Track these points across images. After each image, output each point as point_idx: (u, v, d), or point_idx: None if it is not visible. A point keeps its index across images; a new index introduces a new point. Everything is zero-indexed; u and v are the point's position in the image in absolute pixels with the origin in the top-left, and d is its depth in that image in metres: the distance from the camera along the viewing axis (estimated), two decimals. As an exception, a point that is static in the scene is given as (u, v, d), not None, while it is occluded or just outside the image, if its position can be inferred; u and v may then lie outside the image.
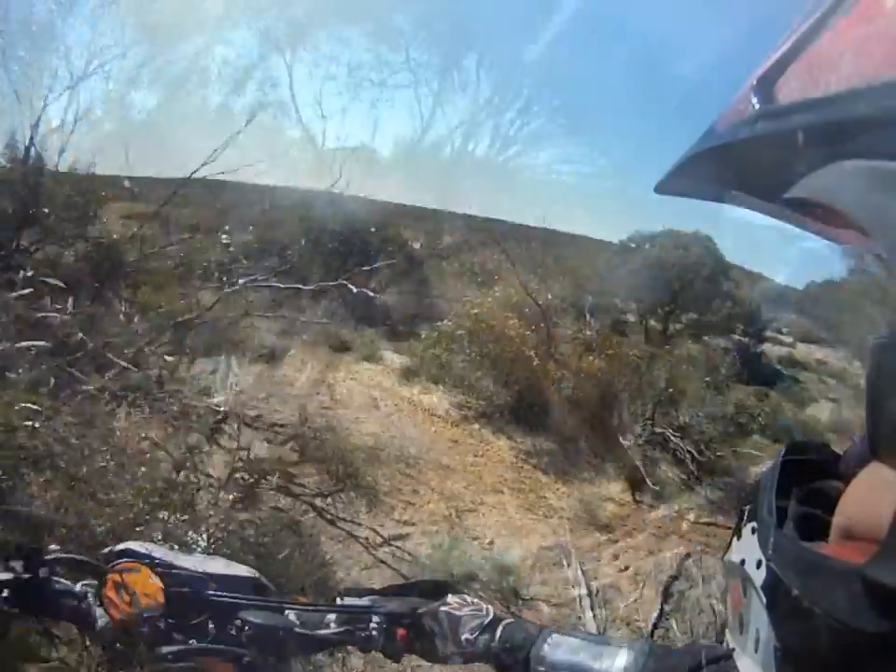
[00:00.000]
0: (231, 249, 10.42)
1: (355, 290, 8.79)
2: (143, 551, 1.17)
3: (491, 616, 1.13)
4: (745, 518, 0.64)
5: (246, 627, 1.08)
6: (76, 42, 7.25)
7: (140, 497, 3.55)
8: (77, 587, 1.12)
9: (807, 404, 14.17)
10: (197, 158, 8.37)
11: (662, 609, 5.67)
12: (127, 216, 9.47)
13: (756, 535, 0.59)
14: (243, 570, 1.25)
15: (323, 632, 1.14)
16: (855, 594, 0.43)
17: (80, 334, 4.23)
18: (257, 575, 1.25)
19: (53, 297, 5.20)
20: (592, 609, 5.57)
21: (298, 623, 1.15)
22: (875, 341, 0.49)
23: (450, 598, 1.17)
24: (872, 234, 0.45)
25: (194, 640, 1.07)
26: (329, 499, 6.06)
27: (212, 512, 4.30)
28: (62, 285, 5.39)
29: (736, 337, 20.57)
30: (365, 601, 1.19)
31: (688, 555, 6.54)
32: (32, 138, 7.12)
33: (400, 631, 1.12)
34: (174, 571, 1.12)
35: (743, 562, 0.60)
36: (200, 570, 1.16)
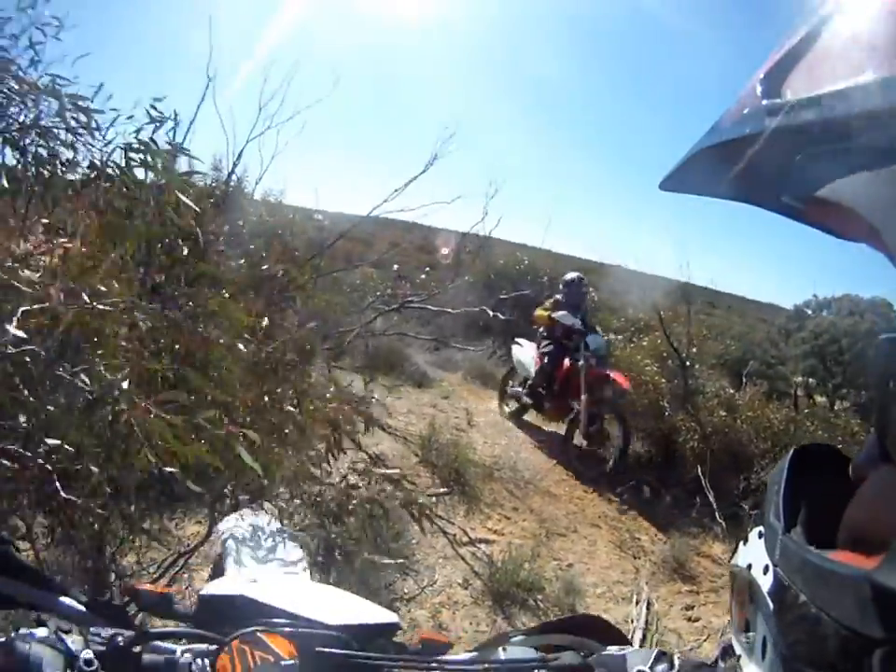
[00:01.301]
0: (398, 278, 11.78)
1: (498, 315, 9.45)
2: (262, 600, 1.07)
3: (657, 650, 1.10)
4: (751, 522, 0.66)
5: None
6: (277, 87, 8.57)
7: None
8: (180, 657, 0.91)
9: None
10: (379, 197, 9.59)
11: (715, 664, 5.72)
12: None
13: (763, 540, 0.61)
14: (381, 615, 1.21)
15: None
16: (864, 600, 0.44)
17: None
18: (397, 620, 1.21)
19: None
20: (641, 644, 5.59)
21: None
22: (883, 337, 0.53)
23: (611, 649, 1.13)
24: (883, 233, 0.47)
25: None
26: (434, 499, 6.79)
27: (326, 490, 4.65)
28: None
29: None
30: (528, 651, 1.12)
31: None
32: (235, 165, 8.59)
33: None
34: (303, 631, 0.95)
35: (750, 567, 0.61)
36: (335, 623, 1.03)
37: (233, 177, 8.74)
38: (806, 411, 11.55)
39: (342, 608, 1.17)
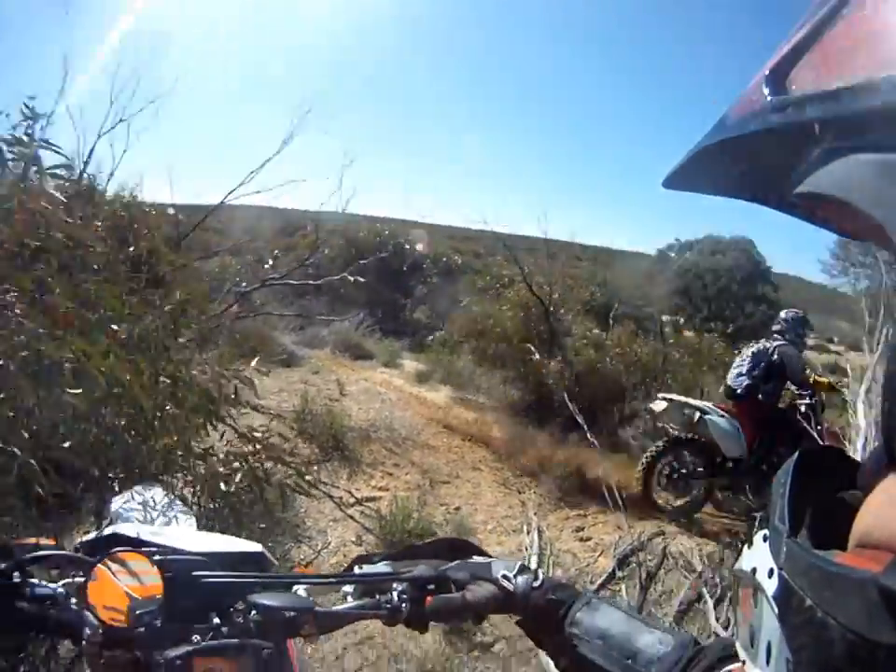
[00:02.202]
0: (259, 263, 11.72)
1: (353, 280, 9.49)
2: (133, 534, 1.13)
3: (520, 562, 1.17)
4: (756, 525, 0.66)
5: (254, 612, 1.02)
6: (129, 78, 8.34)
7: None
8: (59, 588, 1.00)
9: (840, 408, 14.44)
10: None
11: (613, 573, 5.98)
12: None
13: (768, 543, 0.60)
14: (246, 545, 1.25)
15: (342, 607, 1.11)
16: (871, 604, 0.43)
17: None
18: (261, 550, 1.24)
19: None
20: (538, 567, 6.00)
21: (310, 599, 1.11)
22: (892, 340, 0.69)
23: (477, 558, 1.21)
24: (888, 231, 0.45)
25: (198, 636, 0.99)
26: (315, 467, 6.87)
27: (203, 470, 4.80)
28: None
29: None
30: (384, 567, 1.19)
31: (659, 534, 6.86)
32: (86, 163, 8.37)
33: (428, 599, 1.10)
34: (169, 557, 1.05)
35: (754, 571, 0.61)
36: (200, 551, 1.12)
37: (85, 175, 8.49)
38: (671, 341, 12.28)
39: (210, 541, 1.24)
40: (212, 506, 4.15)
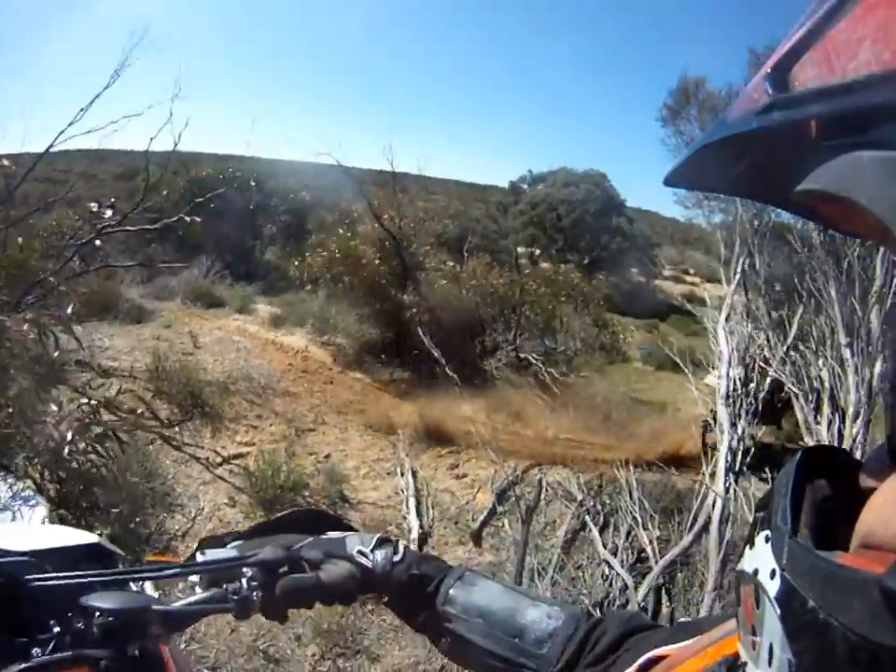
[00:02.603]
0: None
1: (189, 220, 9.09)
2: None
3: (379, 535, 1.10)
4: (758, 526, 0.63)
5: (95, 617, 0.90)
6: None
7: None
8: None
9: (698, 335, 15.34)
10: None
11: (493, 509, 6.10)
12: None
13: (770, 544, 0.58)
14: (79, 537, 1.15)
15: (188, 601, 1.00)
16: (874, 605, 0.43)
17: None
18: (97, 540, 1.16)
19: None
20: (417, 509, 6.06)
21: (154, 595, 1.06)
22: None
23: (332, 534, 1.14)
24: (891, 228, 0.44)
25: (38, 650, 0.87)
26: (177, 429, 6.71)
27: (51, 444, 4.30)
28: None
29: (634, 272, 22.03)
30: (230, 551, 1.10)
31: (534, 465, 7.13)
32: None
33: (278, 582, 1.01)
34: None
35: (756, 572, 0.59)
36: (27, 550, 0.99)
37: None
38: (527, 272, 12.52)
39: (41, 536, 1.11)
40: (59, 485, 3.97)
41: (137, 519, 4.92)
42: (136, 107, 9.10)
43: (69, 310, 4.59)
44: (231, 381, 8.17)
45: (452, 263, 11.35)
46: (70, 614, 0.90)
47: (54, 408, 4.07)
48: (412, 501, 6.18)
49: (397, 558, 1.07)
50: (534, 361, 9.82)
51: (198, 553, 1.09)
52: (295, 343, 10.53)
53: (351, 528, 1.19)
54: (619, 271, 20.64)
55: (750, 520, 0.58)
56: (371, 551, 1.07)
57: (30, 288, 7.05)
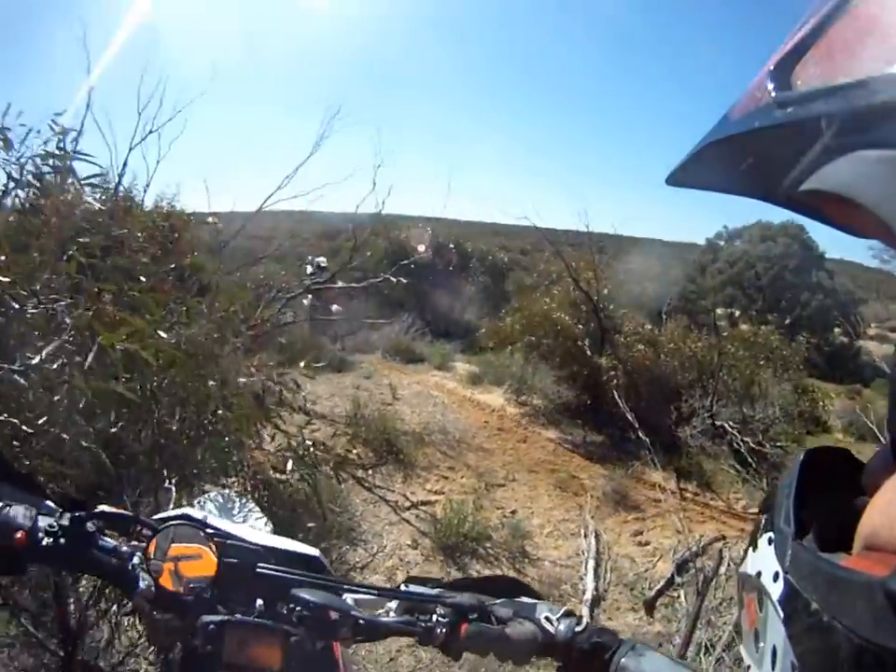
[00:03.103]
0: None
1: (394, 281, 9.46)
2: (200, 517, 1.22)
3: (565, 608, 1.16)
4: (761, 528, 0.66)
5: (298, 607, 1.09)
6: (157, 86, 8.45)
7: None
8: (125, 547, 1.11)
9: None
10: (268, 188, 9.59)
11: (671, 579, 5.95)
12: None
13: (773, 546, 0.61)
14: (304, 548, 1.31)
15: (382, 619, 1.15)
16: (877, 608, 0.43)
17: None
18: (318, 554, 1.30)
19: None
20: (595, 571, 5.99)
21: (354, 606, 1.16)
22: None
23: (524, 599, 1.22)
24: (894, 229, 0.45)
25: (239, 615, 1.08)
26: (371, 472, 7.11)
27: (260, 475, 4.79)
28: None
29: (837, 332, 20.65)
30: (431, 590, 1.21)
31: (719, 538, 6.85)
32: (120, 176, 8.52)
33: (465, 626, 1.12)
34: (228, 542, 1.15)
35: (759, 574, 0.62)
36: (257, 542, 1.20)
37: (121, 188, 8.63)
38: (725, 334, 12.16)
39: (272, 539, 1.28)
40: (265, 504, 4.28)
41: (323, 545, 5.16)
42: (337, 174, 9.74)
43: (301, 364, 5.01)
44: (427, 432, 8.43)
45: (650, 326, 11.13)
46: (276, 599, 1.11)
47: (268, 439, 4.43)
48: (590, 563, 6.12)
49: (579, 629, 1.12)
50: (729, 430, 9.49)
51: (402, 585, 1.23)
52: (492, 401, 10.69)
53: (541, 599, 1.24)
54: (820, 331, 19.51)
55: None
56: (558, 619, 1.13)
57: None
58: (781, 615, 0.56)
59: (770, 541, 0.62)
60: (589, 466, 8.50)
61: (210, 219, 10.38)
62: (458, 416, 9.48)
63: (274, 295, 10.19)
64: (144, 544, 1.10)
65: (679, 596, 5.79)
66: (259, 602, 1.11)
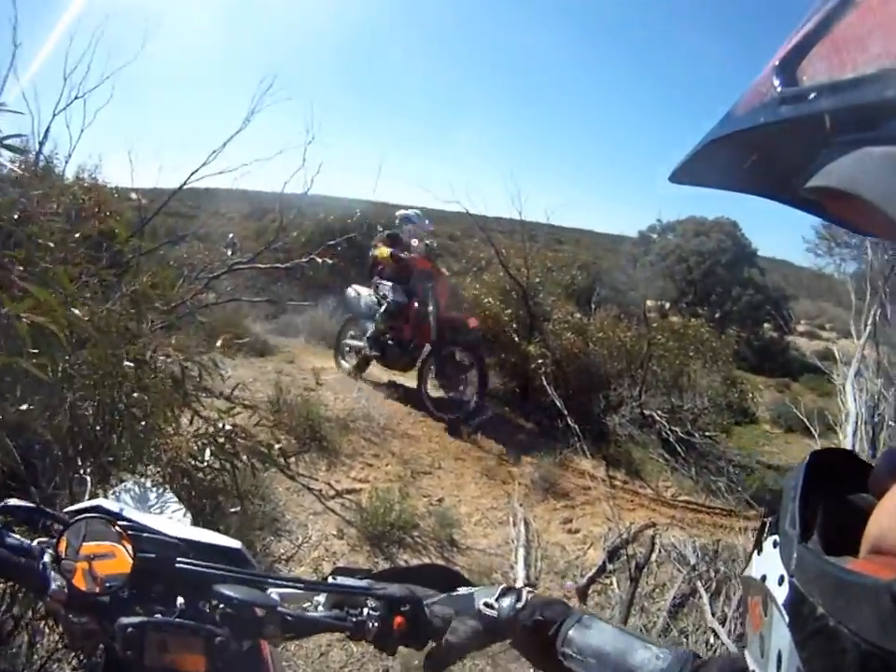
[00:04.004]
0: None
1: (326, 261, 9.35)
2: (116, 509, 1.17)
3: (503, 586, 1.18)
4: (766, 531, 0.65)
5: (221, 604, 1.06)
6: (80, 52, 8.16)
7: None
8: (34, 544, 1.07)
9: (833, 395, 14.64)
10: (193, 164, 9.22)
11: (603, 566, 5.99)
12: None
13: (778, 549, 0.60)
14: (225, 541, 1.26)
15: (310, 614, 1.15)
16: (885, 612, 0.43)
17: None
18: (240, 546, 1.26)
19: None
20: (526, 560, 6.00)
21: (280, 601, 1.14)
22: None
23: (462, 590, 1.21)
24: None
25: (159, 615, 1.04)
26: (293, 459, 6.96)
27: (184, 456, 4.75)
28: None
29: (767, 328, 21.33)
30: (361, 582, 1.20)
31: (650, 525, 6.96)
32: (41, 143, 8.22)
33: (398, 619, 1.11)
34: (144, 535, 1.10)
35: (764, 578, 0.61)
36: (176, 536, 1.15)
37: (41, 157, 8.31)
38: (655, 325, 12.34)
39: (191, 531, 1.24)
40: (183, 493, 4.15)
41: (247, 537, 5.04)
42: (267, 151, 9.53)
43: (218, 343, 4.86)
44: (351, 419, 8.31)
45: (580, 315, 11.21)
46: (197, 597, 1.08)
47: (186, 423, 4.29)
48: (521, 552, 6.12)
49: (520, 605, 1.12)
50: (658, 419, 9.62)
51: (330, 577, 1.22)
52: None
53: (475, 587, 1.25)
54: (750, 325, 20.09)
55: None
56: (496, 600, 1.14)
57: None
58: (787, 619, 0.56)
59: (775, 544, 0.62)
60: (516, 454, 8.50)
61: (133, 195, 10.12)
62: (383, 403, 9.38)
63: (196, 274, 9.97)
64: (55, 540, 1.06)
65: (611, 584, 5.86)
66: (181, 600, 1.08)
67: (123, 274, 7.78)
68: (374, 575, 1.25)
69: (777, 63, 0.53)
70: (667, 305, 22.98)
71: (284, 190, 10.06)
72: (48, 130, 8.06)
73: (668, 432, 9.39)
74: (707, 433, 9.73)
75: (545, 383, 8.40)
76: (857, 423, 5.99)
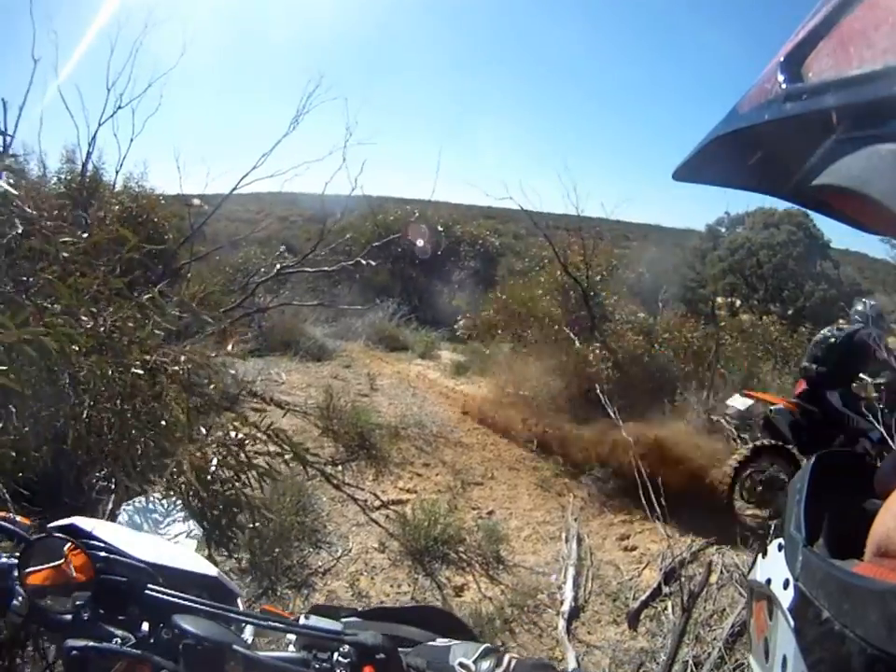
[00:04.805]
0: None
1: (364, 263, 9.24)
2: (89, 528, 1.17)
3: (486, 646, 1.10)
4: (771, 534, 0.65)
5: (179, 636, 1.00)
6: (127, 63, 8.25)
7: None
8: (2, 558, 1.07)
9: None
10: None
11: (658, 589, 5.66)
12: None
13: (783, 552, 0.60)
14: (202, 567, 1.23)
15: (275, 654, 1.09)
16: (891, 616, 0.43)
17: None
18: (216, 574, 1.23)
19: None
20: (576, 580, 5.70)
21: (243, 638, 1.11)
22: None
23: (439, 641, 1.16)
24: None
25: (118, 640, 1.01)
26: (340, 467, 6.89)
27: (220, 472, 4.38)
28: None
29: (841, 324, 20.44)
30: (335, 624, 1.14)
31: (711, 543, 6.51)
32: (89, 154, 8.30)
33: (367, 669, 1.04)
34: (113, 557, 1.08)
35: (769, 582, 0.60)
36: (145, 560, 1.12)
37: (89, 166, 8.40)
38: (723, 324, 11.91)
39: (168, 555, 1.22)
40: (197, 506, 4.05)
41: (278, 549, 5.00)
42: (313, 154, 9.48)
43: (230, 346, 4.75)
44: (403, 426, 8.20)
45: (644, 315, 10.85)
46: (162, 625, 1.03)
47: (203, 432, 4.17)
48: (570, 571, 5.83)
49: (499, 671, 1.04)
50: (726, 425, 9.23)
51: (303, 616, 1.17)
52: (475, 392, 10.45)
53: (473, 635, 1.22)
54: (824, 322, 19.41)
55: None
56: (475, 662, 1.05)
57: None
58: (792, 624, 0.55)
59: (780, 548, 0.62)
60: (573, 465, 8.17)
61: (195, 201, 10.19)
62: (438, 409, 9.25)
63: (248, 281, 10.00)
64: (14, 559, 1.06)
65: (665, 608, 5.52)
66: (145, 626, 1.06)
67: (174, 282, 7.83)
68: (360, 614, 1.22)
69: (782, 58, 0.53)
70: (738, 303, 22.38)
71: (325, 191, 9.96)
72: (93, 139, 8.10)
73: (736, 440, 8.98)
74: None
75: (599, 391, 8.08)
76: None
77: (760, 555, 0.68)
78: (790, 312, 19.82)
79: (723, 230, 27.22)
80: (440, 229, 16.24)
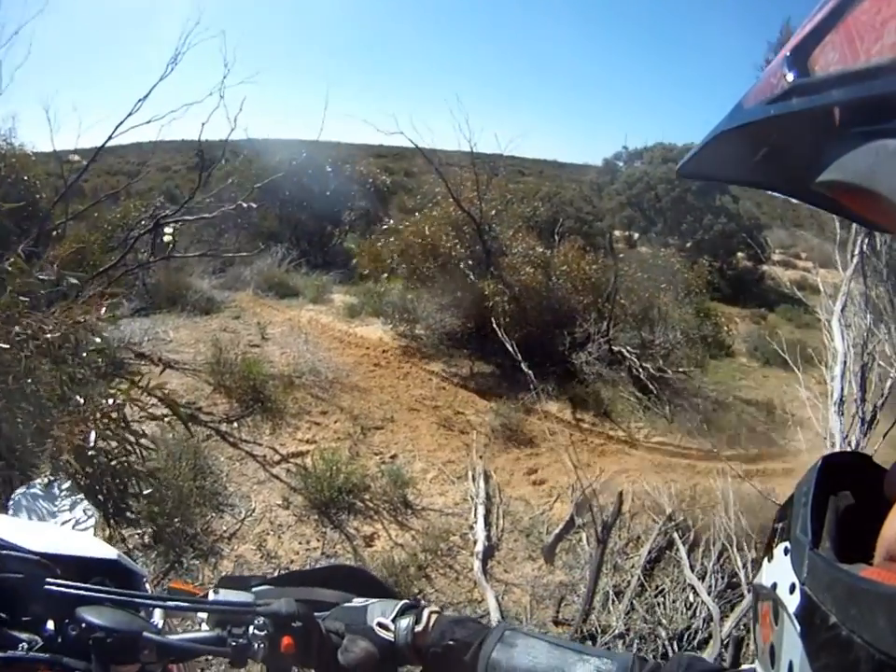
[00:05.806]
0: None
1: (246, 206, 9.00)
2: None
3: (404, 602, 1.08)
4: (777, 537, 0.64)
5: (86, 630, 0.95)
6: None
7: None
8: None
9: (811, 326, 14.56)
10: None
11: (571, 521, 5.76)
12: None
13: (789, 556, 0.59)
14: (102, 551, 1.17)
15: (187, 635, 1.04)
16: None
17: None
18: (116, 556, 1.16)
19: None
20: (486, 518, 5.75)
21: (154, 623, 1.07)
22: None
23: (356, 601, 1.12)
24: None
25: (24, 644, 0.94)
26: (235, 424, 6.73)
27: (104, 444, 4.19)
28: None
29: (741, 257, 21.20)
30: (246, 595, 1.11)
31: (622, 472, 6.75)
32: None
33: (286, 639, 1.00)
34: (3, 552, 1.00)
35: (775, 586, 0.60)
36: (40, 552, 1.04)
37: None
38: (622, 256, 12.06)
39: (63, 542, 1.15)
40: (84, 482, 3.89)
41: (179, 517, 4.82)
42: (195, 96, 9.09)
43: (102, 310, 4.51)
44: (297, 374, 8.05)
45: (541, 248, 10.86)
46: (68, 621, 0.96)
47: (81, 402, 3.96)
48: (480, 509, 5.87)
49: (419, 628, 1.03)
50: (628, 355, 9.39)
51: (211, 591, 1.12)
52: (370, 334, 10.39)
53: (390, 592, 1.16)
54: (723, 255, 19.92)
55: None
56: (393, 620, 1.05)
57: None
58: (798, 629, 0.55)
59: (786, 551, 0.61)
60: (477, 400, 8.29)
61: (74, 157, 9.74)
62: (331, 354, 9.15)
63: (126, 235, 9.63)
64: None
65: (580, 540, 5.65)
66: (50, 625, 0.98)
67: (48, 244, 7.46)
68: (271, 581, 1.16)
69: (788, 52, 0.52)
70: (636, 235, 22.82)
71: (205, 135, 9.58)
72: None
73: (639, 369, 9.20)
74: (680, 368, 9.54)
75: (495, 325, 8.10)
76: (845, 362, 5.72)
77: (765, 559, 0.66)
78: (688, 245, 20.31)
79: (621, 164, 27.61)
80: (328, 169, 15.90)
